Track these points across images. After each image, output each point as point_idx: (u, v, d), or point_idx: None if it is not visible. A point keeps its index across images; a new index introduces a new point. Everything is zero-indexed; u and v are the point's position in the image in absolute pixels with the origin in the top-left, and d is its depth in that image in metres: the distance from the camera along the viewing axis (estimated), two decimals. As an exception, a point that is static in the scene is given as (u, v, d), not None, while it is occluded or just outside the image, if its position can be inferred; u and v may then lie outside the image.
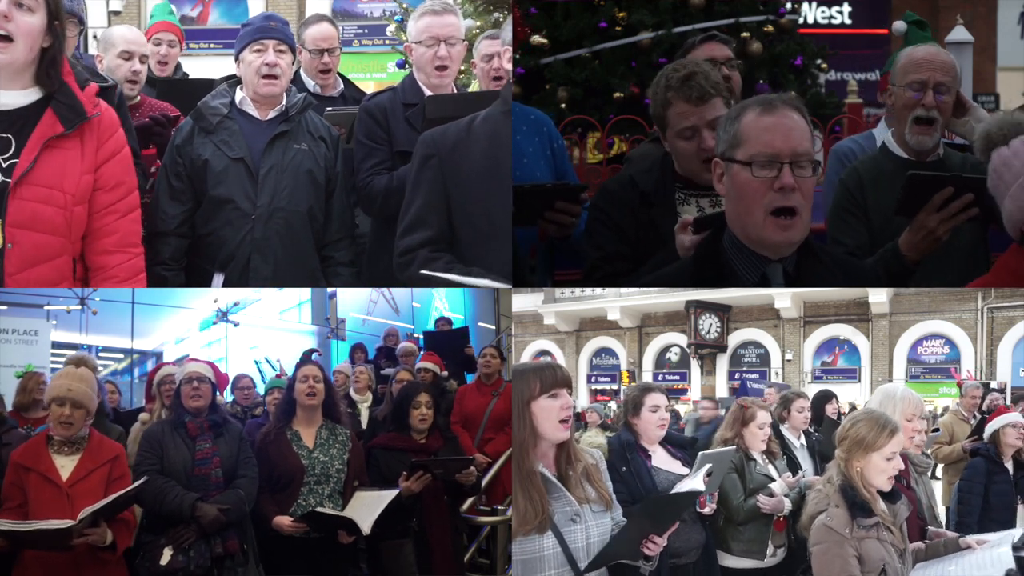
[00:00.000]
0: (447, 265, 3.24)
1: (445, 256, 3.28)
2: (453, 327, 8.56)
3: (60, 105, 2.99)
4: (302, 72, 5.25)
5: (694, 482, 3.30)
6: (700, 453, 3.78)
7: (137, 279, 3.23)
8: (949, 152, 3.59)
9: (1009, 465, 5.15)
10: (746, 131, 2.57)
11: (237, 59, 4.08)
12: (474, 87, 5.25)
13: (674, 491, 3.08)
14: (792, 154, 2.51)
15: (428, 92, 4.27)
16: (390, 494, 3.97)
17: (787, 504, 4.18)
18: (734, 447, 4.17)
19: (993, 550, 3.05)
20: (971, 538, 3.23)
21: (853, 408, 12.50)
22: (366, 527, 3.82)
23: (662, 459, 3.77)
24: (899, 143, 3.56)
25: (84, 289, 10.98)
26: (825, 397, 6.56)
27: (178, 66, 5.70)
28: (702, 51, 3.80)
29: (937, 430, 6.63)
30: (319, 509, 3.91)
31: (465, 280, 3.13)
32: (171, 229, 3.97)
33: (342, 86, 5.32)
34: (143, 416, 4.74)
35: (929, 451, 6.47)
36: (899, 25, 5.10)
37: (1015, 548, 2.95)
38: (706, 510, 3.80)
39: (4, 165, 2.93)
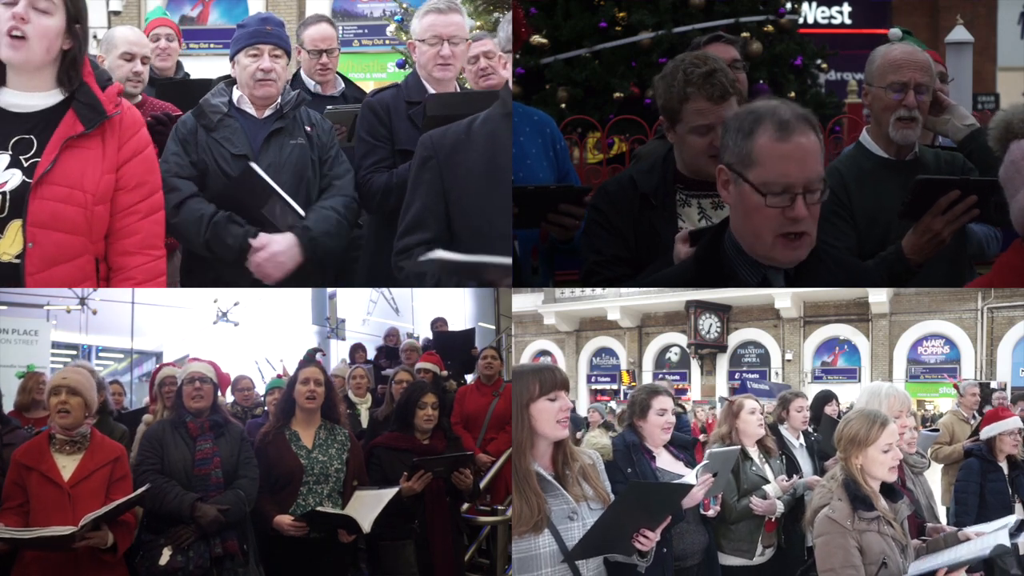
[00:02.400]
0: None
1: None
2: (449, 328, 8.56)
3: (80, 105, 3.01)
4: (302, 72, 5.26)
5: (687, 477, 3.30)
6: (708, 451, 3.78)
7: (157, 281, 3.21)
8: (923, 149, 3.59)
9: (1004, 464, 5.16)
10: (760, 154, 2.49)
11: (232, 60, 4.09)
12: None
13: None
14: (806, 183, 2.47)
15: (431, 90, 4.27)
16: (389, 492, 3.97)
17: (779, 506, 4.20)
18: (739, 447, 4.17)
19: (988, 537, 3.08)
20: (970, 530, 3.26)
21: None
22: (367, 525, 3.82)
23: (666, 460, 3.76)
24: (877, 141, 3.54)
25: (84, 289, 10.97)
26: (825, 398, 6.56)
27: (180, 66, 5.71)
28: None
29: (937, 430, 6.63)
30: (319, 508, 3.91)
31: (467, 259, 3.00)
32: (195, 192, 3.94)
33: (343, 85, 5.33)
34: (147, 417, 4.74)
35: (928, 452, 6.48)
36: (895, 32, 5.13)
37: (1011, 535, 2.97)
38: (710, 512, 3.80)
39: (26, 165, 2.95)
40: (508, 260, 3.07)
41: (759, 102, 2.60)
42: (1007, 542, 2.88)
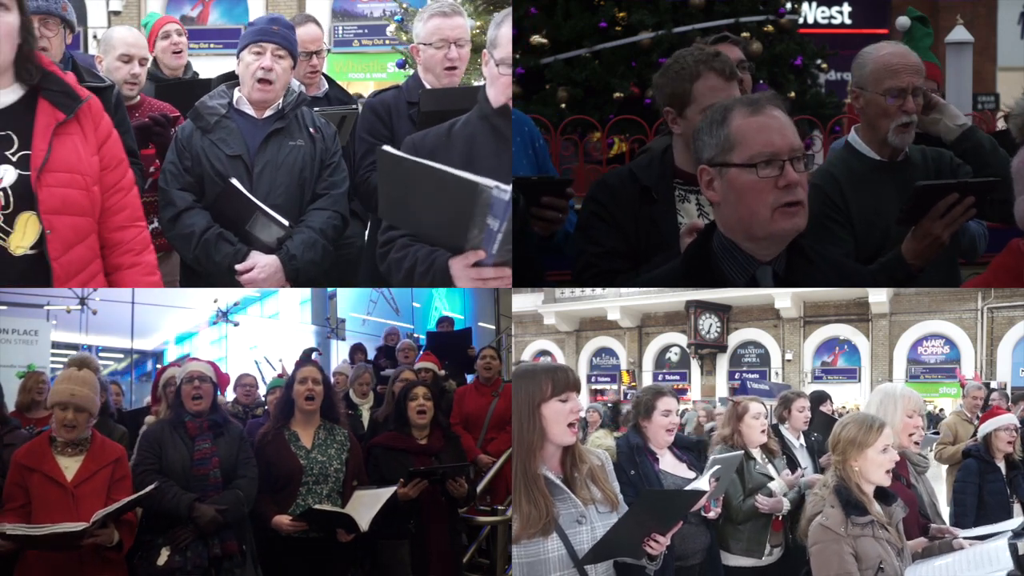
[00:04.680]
0: (419, 247, 3.14)
1: (421, 244, 3.19)
2: (455, 327, 8.56)
3: (53, 94, 3.04)
4: None
5: (698, 483, 3.29)
6: (711, 456, 3.78)
7: (150, 250, 3.31)
8: (912, 148, 3.56)
9: (1001, 464, 5.16)
10: (739, 133, 2.53)
11: (238, 57, 4.10)
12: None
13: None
14: (790, 150, 2.50)
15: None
16: (388, 491, 3.97)
17: (786, 504, 4.20)
18: (742, 451, 4.17)
19: (989, 545, 3.06)
20: (963, 540, 3.25)
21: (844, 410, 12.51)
22: (364, 524, 3.82)
23: (669, 463, 3.77)
24: (870, 144, 3.51)
25: (84, 289, 10.98)
26: (820, 398, 6.56)
27: (188, 66, 5.71)
28: None
29: (937, 432, 6.63)
30: (317, 506, 3.91)
31: (431, 164, 2.89)
32: (190, 204, 4.00)
33: (326, 86, 5.34)
34: (149, 419, 4.73)
35: (930, 452, 6.48)
36: (903, 20, 5.09)
37: (1015, 535, 2.95)
38: (711, 514, 3.80)
39: (15, 159, 2.97)
40: (493, 183, 2.81)
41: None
42: (1011, 564, 2.86)
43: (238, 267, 3.94)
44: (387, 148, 2.95)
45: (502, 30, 3.33)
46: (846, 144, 3.59)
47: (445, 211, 2.90)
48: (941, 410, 16.56)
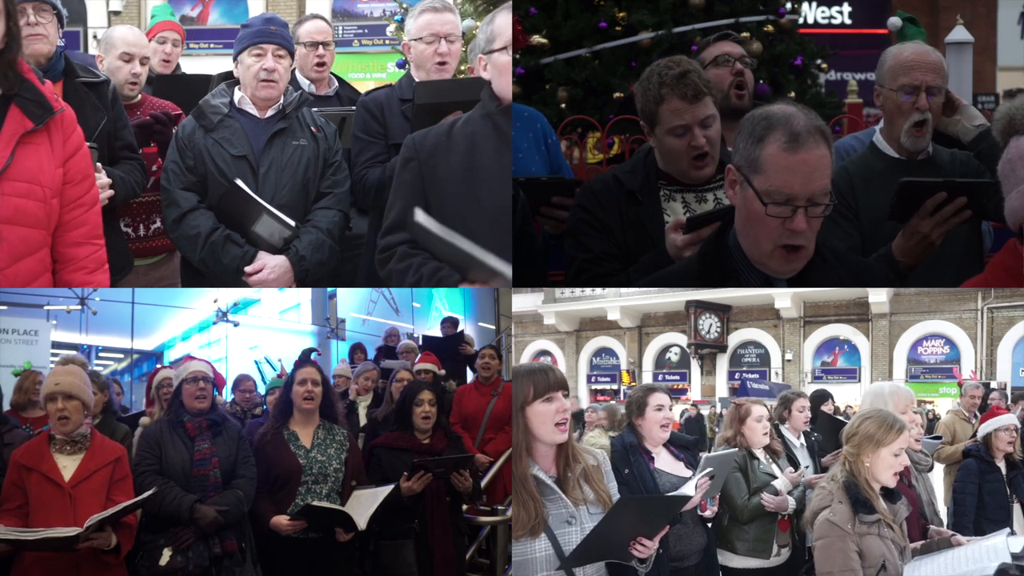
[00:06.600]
0: (423, 260, 3.21)
1: (423, 253, 3.24)
2: (457, 327, 8.57)
3: (26, 102, 2.99)
4: (297, 71, 5.26)
5: (686, 487, 3.28)
6: (703, 456, 3.78)
7: (103, 270, 3.25)
8: (938, 149, 3.58)
9: (1002, 464, 5.16)
10: (767, 162, 2.48)
11: (235, 60, 4.10)
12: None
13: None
14: (809, 197, 2.46)
15: (424, 87, 4.28)
16: (385, 490, 3.97)
17: (791, 502, 4.20)
18: (736, 449, 4.18)
19: (985, 542, 3.07)
20: (962, 538, 3.27)
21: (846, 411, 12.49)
22: (362, 522, 3.83)
23: (665, 461, 3.76)
24: (889, 142, 3.53)
25: (84, 289, 10.98)
26: (821, 397, 6.57)
27: (177, 66, 5.71)
28: (716, 48, 3.80)
29: (939, 437, 6.63)
30: (313, 503, 3.91)
31: (456, 241, 3.00)
32: (195, 205, 4.00)
33: (337, 85, 5.33)
34: (143, 420, 4.72)
35: (931, 454, 6.48)
36: (895, 20, 5.12)
37: (1016, 557, 2.95)
38: (707, 513, 3.80)
39: None
40: (498, 264, 2.99)
41: (777, 107, 2.57)
42: (1008, 557, 2.87)
43: (247, 268, 3.94)
44: (419, 218, 3.04)
45: (496, 23, 3.33)
46: (871, 143, 3.61)
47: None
48: (935, 405, 16.59)
